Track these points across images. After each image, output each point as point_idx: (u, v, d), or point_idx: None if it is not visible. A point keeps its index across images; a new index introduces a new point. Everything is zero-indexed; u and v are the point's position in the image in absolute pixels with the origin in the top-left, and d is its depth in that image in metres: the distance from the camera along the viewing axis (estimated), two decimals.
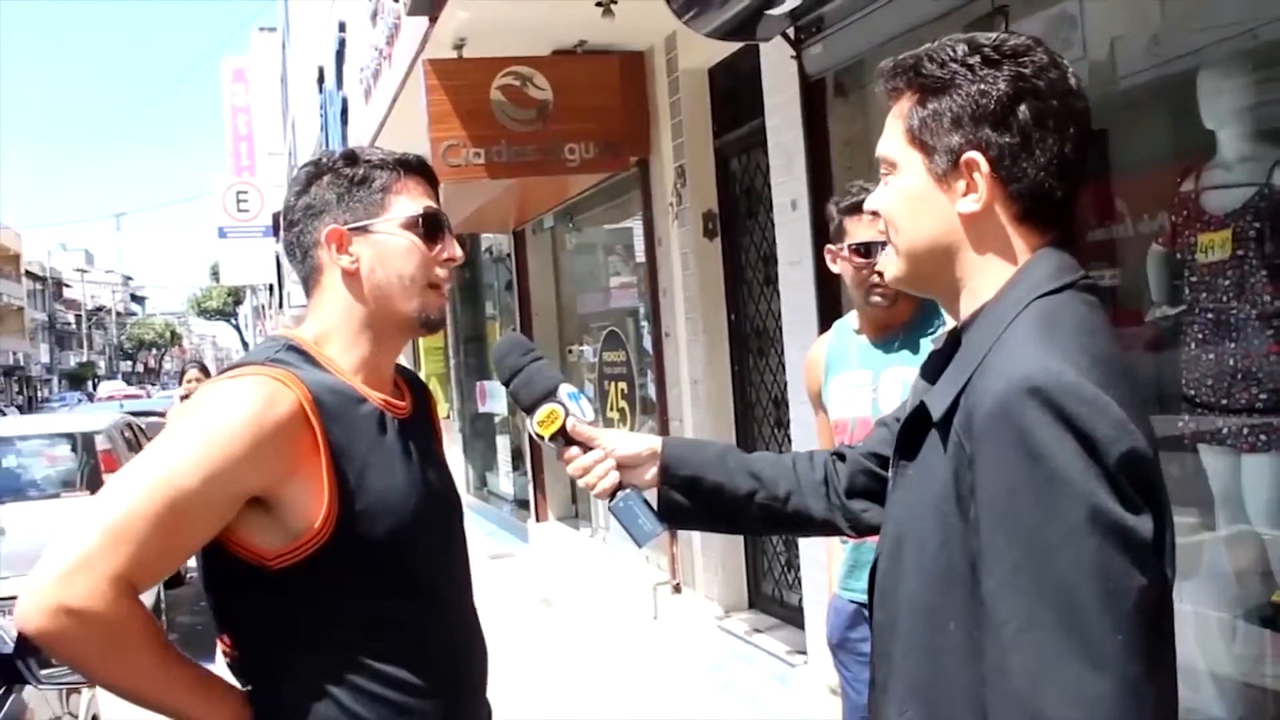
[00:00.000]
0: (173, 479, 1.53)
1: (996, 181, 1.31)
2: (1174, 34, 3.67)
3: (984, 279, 1.33)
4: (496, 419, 11.84)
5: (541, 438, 1.80)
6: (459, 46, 6.59)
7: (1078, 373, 1.17)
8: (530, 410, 1.81)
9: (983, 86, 1.30)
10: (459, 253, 1.83)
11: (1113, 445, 1.14)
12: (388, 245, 1.76)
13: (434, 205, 1.82)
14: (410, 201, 1.79)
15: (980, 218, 1.32)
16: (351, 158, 1.81)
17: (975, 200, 1.32)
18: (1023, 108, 1.29)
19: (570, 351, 9.59)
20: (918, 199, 1.36)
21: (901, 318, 2.97)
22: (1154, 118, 3.94)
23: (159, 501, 1.52)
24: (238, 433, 1.56)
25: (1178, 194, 3.51)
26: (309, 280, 1.81)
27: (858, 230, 2.97)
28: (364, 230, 1.76)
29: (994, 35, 1.34)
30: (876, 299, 2.94)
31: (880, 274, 2.87)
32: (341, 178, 1.78)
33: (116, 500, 1.53)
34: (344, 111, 13.40)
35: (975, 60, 1.31)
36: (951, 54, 1.32)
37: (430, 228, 1.79)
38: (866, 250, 2.92)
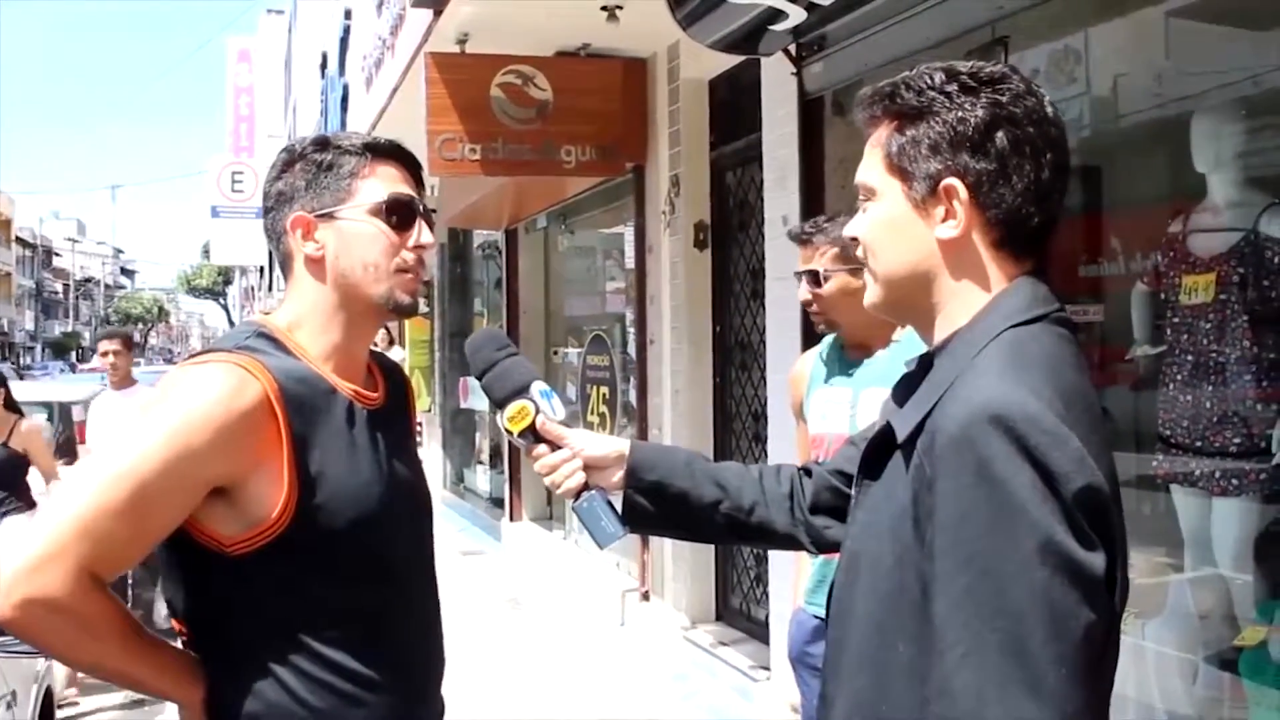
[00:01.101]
0: (138, 469, 1.54)
1: (974, 208, 1.31)
2: (1177, 75, 3.69)
3: (959, 305, 1.34)
4: (477, 415, 11.83)
5: (510, 433, 1.79)
6: (462, 41, 6.58)
7: (1041, 404, 1.17)
8: (501, 405, 1.80)
9: (960, 114, 1.30)
10: (429, 239, 1.80)
11: (1070, 479, 1.14)
12: (352, 231, 1.74)
13: (404, 190, 1.78)
14: (379, 186, 1.76)
15: (958, 244, 1.33)
16: (323, 143, 1.79)
17: (954, 226, 1.32)
18: (1000, 134, 1.30)
19: (555, 353, 9.58)
20: (896, 225, 1.36)
21: (884, 338, 2.99)
22: (1150, 157, 3.96)
23: (125, 492, 1.53)
24: (203, 422, 1.56)
25: (1166, 234, 3.53)
26: (284, 266, 1.81)
27: (800, 259, 3.14)
28: (329, 217, 1.75)
29: (970, 64, 1.34)
30: (819, 324, 3.12)
31: (813, 299, 3.04)
32: (311, 163, 1.77)
33: (83, 491, 1.54)
34: (345, 98, 13.39)
35: (952, 88, 1.32)
36: (929, 81, 1.33)
37: (398, 213, 1.76)
38: (815, 279, 3.06)
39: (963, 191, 1.30)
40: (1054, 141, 1.32)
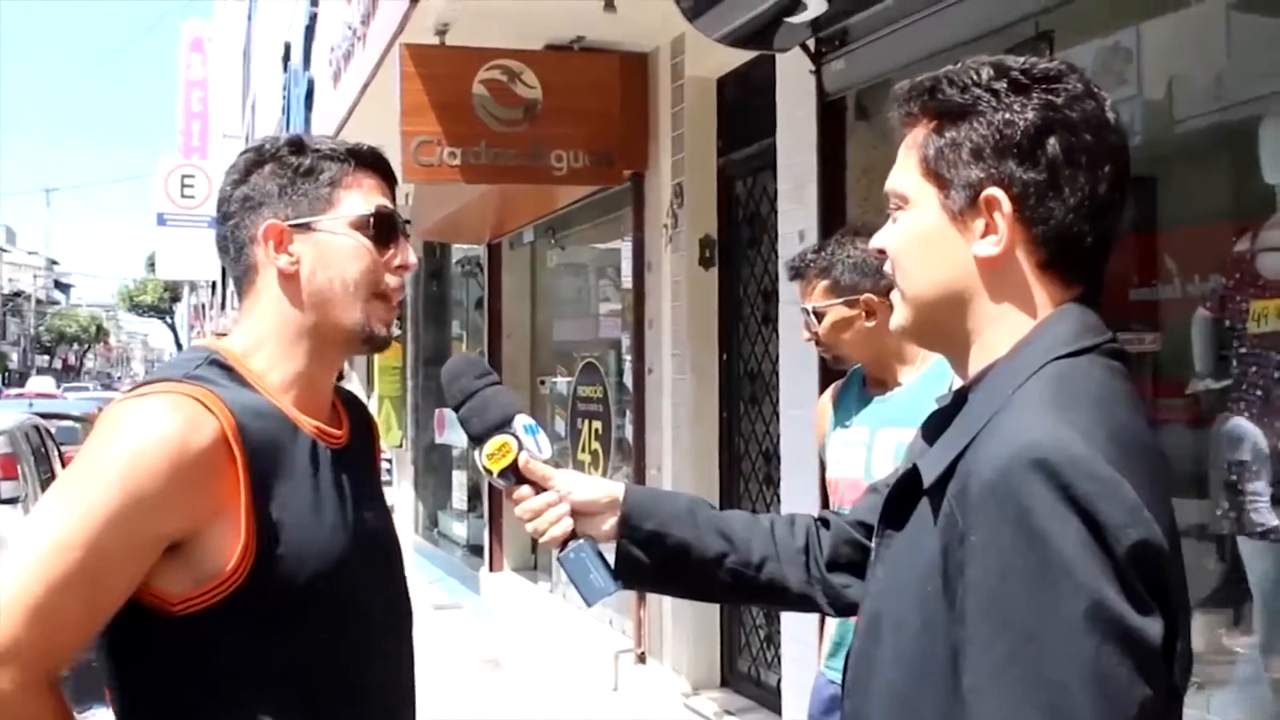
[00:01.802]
0: (86, 531, 1.49)
1: (1019, 223, 1.29)
2: (1240, 76, 3.69)
3: (998, 334, 1.32)
4: (455, 452, 11.80)
5: (489, 472, 1.77)
6: (441, 32, 6.60)
7: (1091, 447, 1.15)
8: (480, 440, 1.78)
9: (1008, 115, 1.29)
10: (413, 259, 1.81)
11: (1123, 533, 1.12)
12: (332, 245, 1.74)
13: (388, 204, 1.80)
14: (362, 198, 1.76)
15: (999, 263, 1.31)
16: (298, 145, 1.78)
17: (994, 243, 1.30)
18: (1052, 141, 1.28)
19: (542, 383, 9.58)
20: (930, 239, 1.34)
21: (895, 373, 3.01)
22: (1211, 168, 3.96)
23: (74, 561, 1.48)
24: (154, 467, 1.52)
25: (1231, 254, 3.53)
26: (242, 281, 1.79)
27: (799, 294, 3.22)
28: (306, 228, 1.74)
29: (1023, 59, 1.33)
30: (830, 361, 3.24)
31: (814, 337, 3.11)
32: (285, 167, 1.76)
33: (31, 572, 1.48)
34: (309, 95, 13.43)
35: (1001, 85, 1.30)
36: (975, 77, 1.31)
37: (382, 229, 1.76)
38: (804, 312, 3.15)
39: (1006, 204, 1.29)
40: (1114, 151, 1.30)
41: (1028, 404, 1.22)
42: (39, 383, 51.19)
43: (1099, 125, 1.29)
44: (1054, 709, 1.10)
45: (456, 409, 1.82)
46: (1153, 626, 1.12)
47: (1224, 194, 3.92)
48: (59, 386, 50.38)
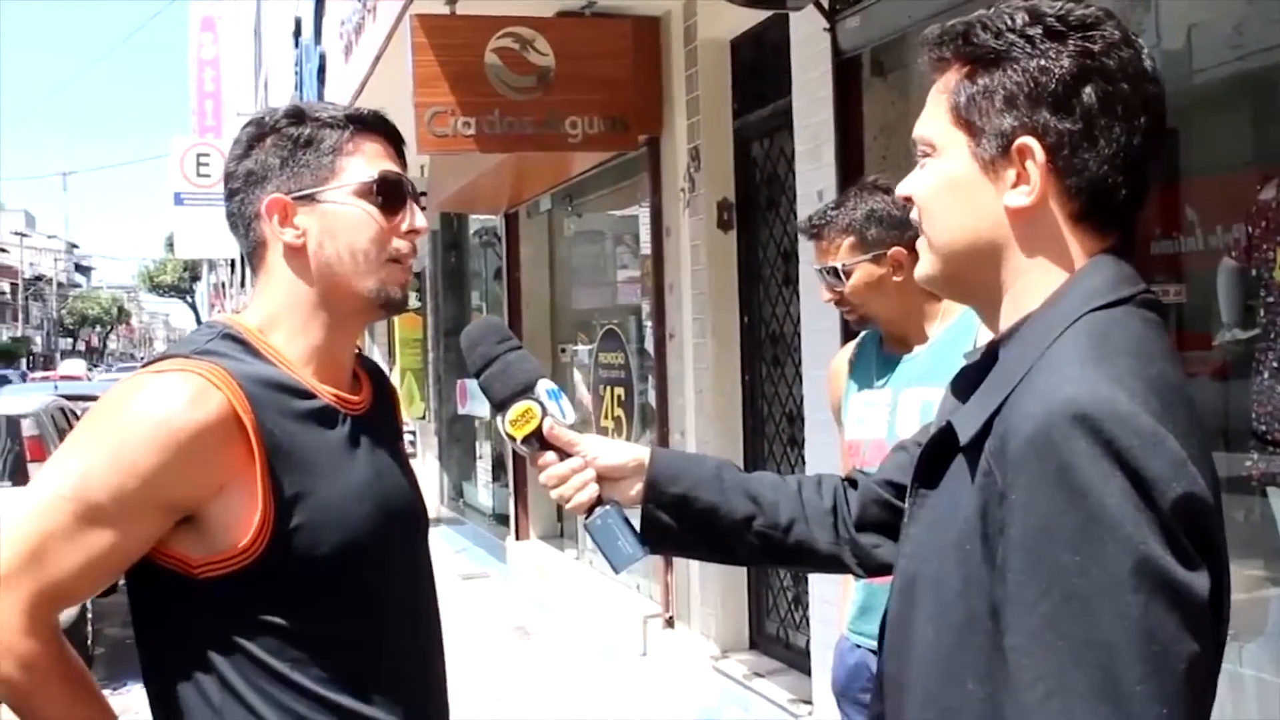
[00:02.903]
0: (81, 491, 1.53)
1: (1052, 173, 1.27)
2: (1261, 23, 3.64)
3: (1030, 286, 1.30)
4: (478, 422, 11.83)
5: (513, 439, 1.76)
6: (452, 1, 6.56)
7: (1132, 400, 1.13)
8: (502, 406, 1.76)
9: (1043, 62, 1.26)
10: (423, 223, 1.79)
11: (1168, 487, 1.10)
12: (337, 215, 1.72)
13: (393, 169, 1.77)
14: (365, 164, 1.74)
15: (1030, 214, 1.29)
16: (298, 115, 1.76)
17: (1026, 193, 1.28)
18: (1088, 89, 1.25)
19: (563, 350, 9.58)
20: (959, 187, 1.32)
21: (922, 331, 2.96)
22: (1233, 116, 3.93)
23: (68, 515, 1.53)
24: (150, 441, 1.53)
25: (1256, 202, 3.50)
26: (253, 257, 1.78)
27: (815, 255, 3.09)
28: (310, 199, 1.72)
29: (1059, 4, 1.30)
30: (853, 321, 3.13)
31: (838, 297, 3.00)
32: (286, 139, 1.74)
33: (25, 514, 1.53)
34: (321, 69, 13.40)
35: (1036, 31, 1.27)
36: (1009, 23, 1.29)
37: (388, 194, 1.74)
38: (835, 275, 3.01)
39: (1040, 153, 1.26)
40: (1151, 101, 1.28)
41: (1065, 358, 1.19)
42: (69, 366, 51.86)
43: (1136, 74, 1.27)
44: (1100, 667, 1.08)
45: (477, 375, 1.80)
46: (1199, 581, 1.10)
47: (1246, 143, 3.88)
48: (90, 369, 51.04)
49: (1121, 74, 1.26)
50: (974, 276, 1.34)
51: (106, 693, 1.68)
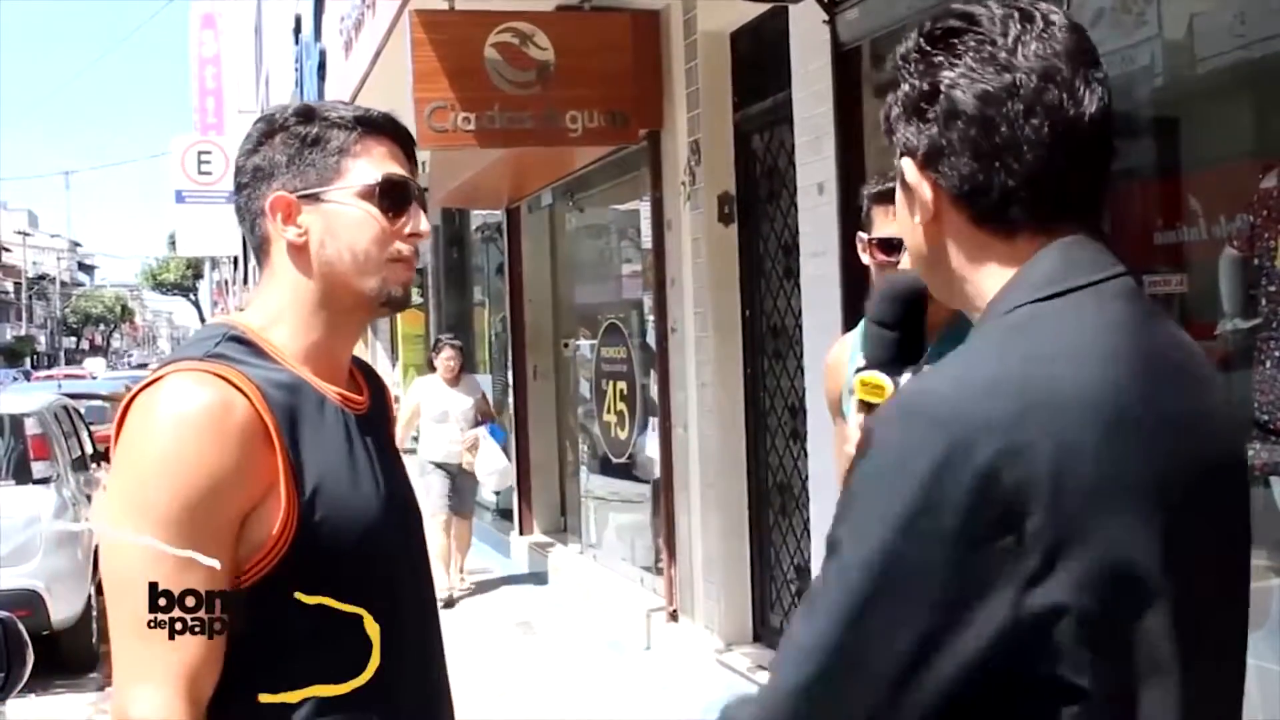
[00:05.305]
0: (174, 525, 1.53)
1: (934, 187, 1.27)
2: (1264, 10, 3.64)
3: (978, 291, 1.29)
4: None
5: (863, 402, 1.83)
6: None
7: (959, 391, 1.15)
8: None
9: (907, 86, 1.27)
10: (426, 227, 1.78)
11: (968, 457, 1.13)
12: (339, 216, 1.72)
13: (399, 171, 1.77)
14: (371, 166, 1.74)
15: (937, 228, 1.29)
16: (307, 114, 1.76)
17: (920, 211, 1.29)
18: (941, 99, 1.24)
19: (565, 345, 9.58)
20: (899, 211, 1.35)
21: (935, 320, 2.93)
22: (1234, 105, 3.92)
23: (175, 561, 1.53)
24: (210, 446, 1.54)
25: (1258, 191, 3.49)
26: (259, 252, 1.79)
27: (884, 223, 2.91)
28: (314, 198, 1.72)
29: (936, 18, 1.28)
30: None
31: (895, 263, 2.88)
32: (294, 136, 1.74)
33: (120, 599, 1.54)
34: (321, 66, 13.42)
35: (912, 52, 1.28)
36: (902, 48, 1.30)
37: (392, 197, 1.73)
38: (889, 246, 2.88)
39: (912, 171, 1.27)
40: (1013, 89, 1.21)
41: (952, 357, 1.21)
42: (91, 364, 52.08)
43: (992, 69, 1.22)
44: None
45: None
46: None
47: (1248, 132, 3.87)
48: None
49: (973, 73, 1.22)
50: (940, 289, 1.35)
51: (109, 691, 1.68)
